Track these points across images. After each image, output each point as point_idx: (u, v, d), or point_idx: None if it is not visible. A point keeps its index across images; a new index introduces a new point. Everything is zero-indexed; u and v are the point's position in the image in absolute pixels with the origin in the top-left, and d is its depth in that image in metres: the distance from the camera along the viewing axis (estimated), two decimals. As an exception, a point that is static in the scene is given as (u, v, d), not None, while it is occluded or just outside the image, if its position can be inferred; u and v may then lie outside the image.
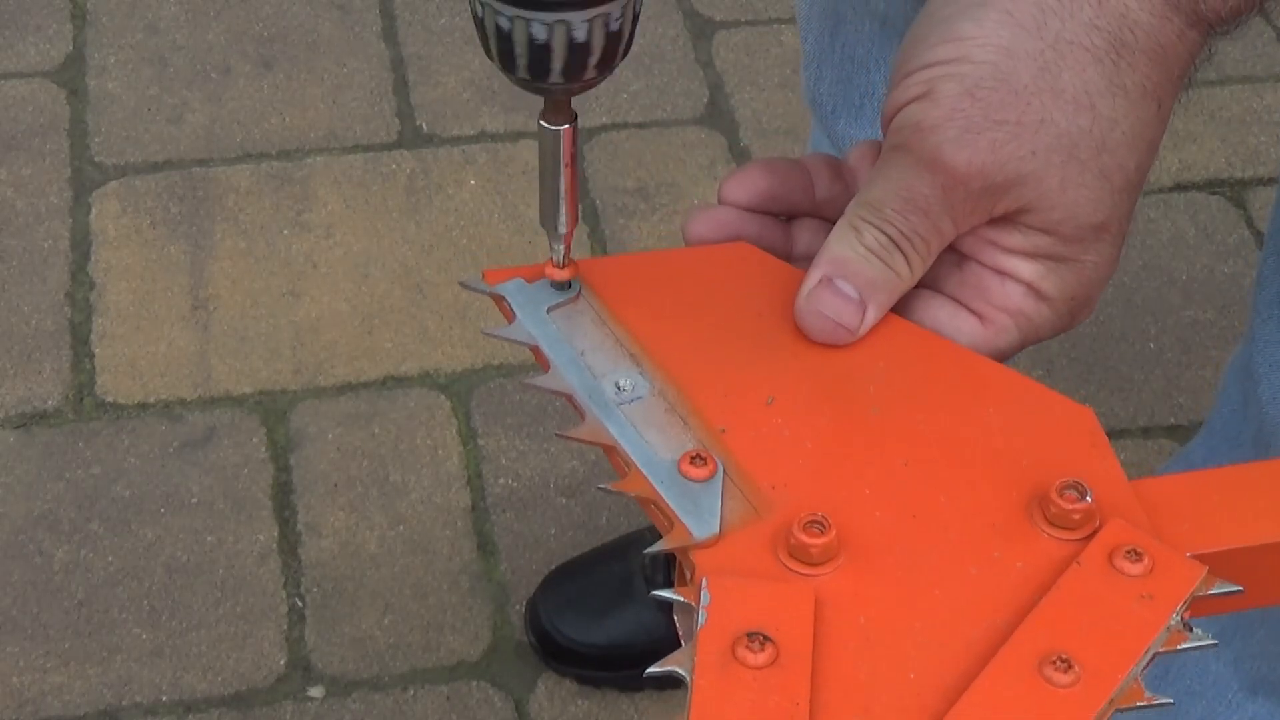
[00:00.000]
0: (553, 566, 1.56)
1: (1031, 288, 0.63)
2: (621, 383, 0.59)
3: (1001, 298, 0.63)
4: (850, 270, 0.61)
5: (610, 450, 0.57)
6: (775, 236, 0.67)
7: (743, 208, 0.66)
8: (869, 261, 0.61)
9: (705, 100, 1.97)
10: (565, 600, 1.53)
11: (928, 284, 0.64)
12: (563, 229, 0.62)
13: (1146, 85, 0.60)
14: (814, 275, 0.62)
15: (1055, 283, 0.62)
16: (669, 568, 1.51)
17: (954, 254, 0.64)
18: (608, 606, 1.52)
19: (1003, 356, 0.63)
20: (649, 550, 0.55)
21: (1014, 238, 0.62)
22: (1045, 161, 0.59)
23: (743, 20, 2.08)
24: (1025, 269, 0.62)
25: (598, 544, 1.59)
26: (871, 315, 0.62)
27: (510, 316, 0.61)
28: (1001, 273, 0.63)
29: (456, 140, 1.92)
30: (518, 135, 1.92)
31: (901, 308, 0.63)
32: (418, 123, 1.94)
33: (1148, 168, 0.62)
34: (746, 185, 0.66)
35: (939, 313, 0.64)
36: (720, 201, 0.66)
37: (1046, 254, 0.62)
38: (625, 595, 1.51)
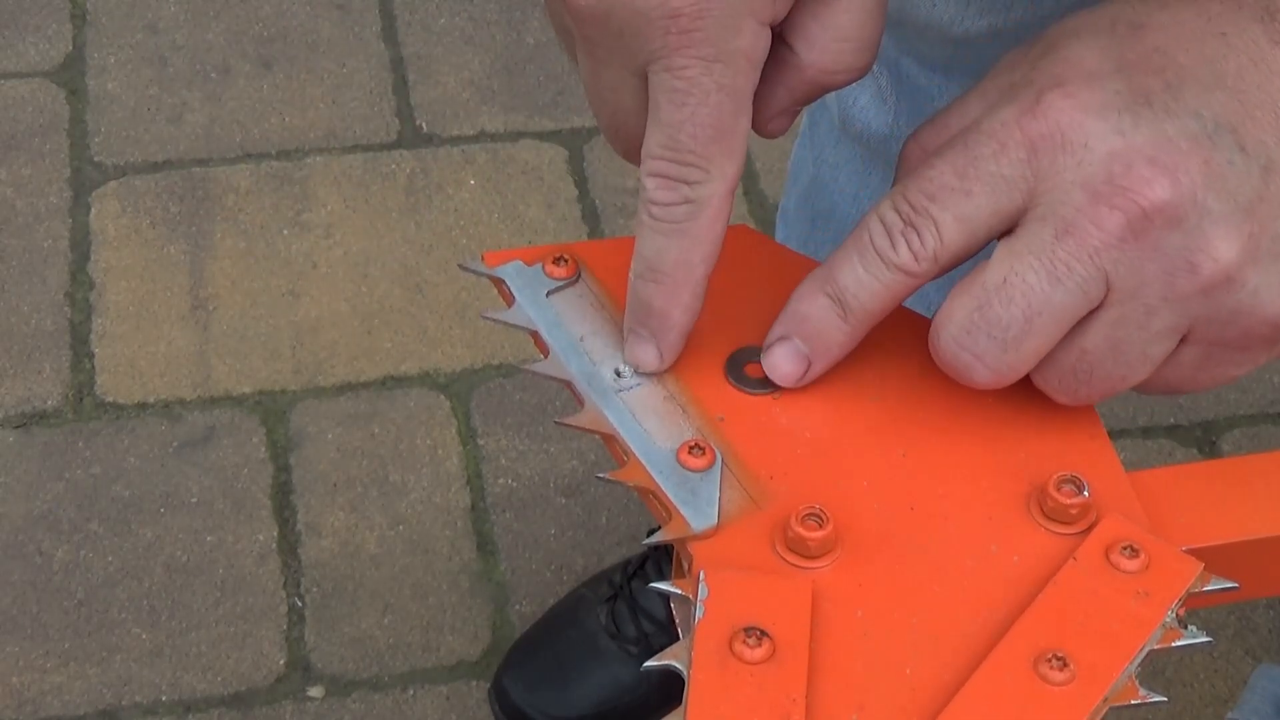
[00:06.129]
0: (513, 640, 1.52)
1: None
2: (620, 369, 0.58)
3: None
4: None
5: (609, 439, 0.57)
6: None
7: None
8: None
9: (705, 100, 1.97)
10: (535, 678, 1.47)
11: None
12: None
13: None
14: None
15: None
16: (633, 612, 1.51)
17: None
18: (580, 673, 1.46)
19: None
20: (647, 541, 0.55)
21: None
22: None
23: (743, 21, 2.08)
24: None
25: (596, 545, 1.58)
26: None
27: (509, 300, 0.60)
28: None
29: (456, 140, 1.92)
30: (517, 135, 1.92)
31: None
32: (417, 123, 1.94)
33: None
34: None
35: None
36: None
37: None
38: (594, 657, 1.46)
